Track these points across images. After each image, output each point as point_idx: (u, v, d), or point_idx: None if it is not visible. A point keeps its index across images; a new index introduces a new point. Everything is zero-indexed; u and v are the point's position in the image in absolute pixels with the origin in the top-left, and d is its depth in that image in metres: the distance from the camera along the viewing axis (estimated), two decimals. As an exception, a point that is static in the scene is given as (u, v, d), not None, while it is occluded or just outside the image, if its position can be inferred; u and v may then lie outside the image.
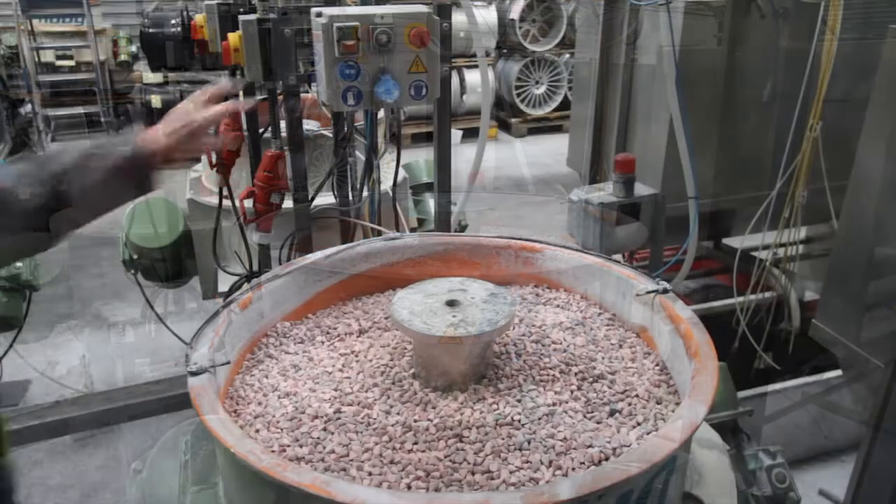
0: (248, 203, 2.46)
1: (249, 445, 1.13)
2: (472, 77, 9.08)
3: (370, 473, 1.21)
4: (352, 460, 1.25)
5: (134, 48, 9.48)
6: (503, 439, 1.28)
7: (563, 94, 9.34)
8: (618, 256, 3.22)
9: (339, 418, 1.36)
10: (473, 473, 1.21)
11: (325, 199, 2.81)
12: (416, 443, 1.28)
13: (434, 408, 1.37)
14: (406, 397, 1.41)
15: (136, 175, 1.49)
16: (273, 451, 1.26)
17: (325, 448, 1.28)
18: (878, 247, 2.52)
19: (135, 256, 3.56)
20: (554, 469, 1.21)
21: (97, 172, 1.45)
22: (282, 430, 1.34)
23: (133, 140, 1.49)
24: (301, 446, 1.29)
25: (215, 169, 2.95)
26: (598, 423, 1.35)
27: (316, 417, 1.36)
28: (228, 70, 3.02)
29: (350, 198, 2.78)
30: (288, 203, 2.45)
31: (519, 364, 1.50)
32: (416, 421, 1.34)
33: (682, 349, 1.43)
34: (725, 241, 4.06)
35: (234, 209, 2.80)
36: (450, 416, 1.34)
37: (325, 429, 1.33)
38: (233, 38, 2.23)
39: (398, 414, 1.36)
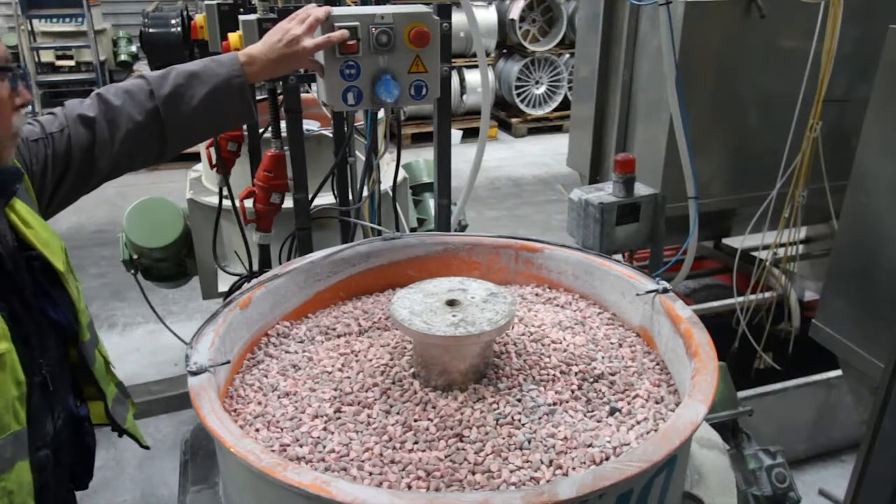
0: (248, 203, 2.46)
1: (249, 445, 1.13)
2: (472, 77, 9.08)
3: (370, 473, 1.21)
4: (352, 460, 1.25)
5: (134, 48, 9.48)
6: (503, 439, 1.28)
7: (563, 94, 9.34)
8: (618, 256, 3.22)
9: (339, 418, 1.36)
10: (474, 473, 1.21)
11: (325, 199, 2.82)
12: (416, 442, 1.29)
13: (434, 407, 1.37)
14: (406, 397, 1.41)
15: (240, 98, 1.58)
16: (273, 451, 1.26)
17: (325, 447, 1.28)
18: (879, 247, 2.52)
19: (135, 256, 3.56)
20: (554, 468, 1.22)
21: (195, 99, 1.55)
22: (282, 429, 1.34)
23: (237, 61, 1.58)
24: (301, 446, 1.29)
25: (215, 169, 2.95)
26: (598, 422, 1.35)
27: (316, 417, 1.37)
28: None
29: (350, 198, 2.78)
30: (288, 203, 2.46)
31: (519, 363, 1.50)
32: (416, 420, 1.34)
33: (682, 349, 1.43)
34: (725, 241, 4.06)
35: (235, 209, 2.80)
36: (450, 415, 1.34)
37: (325, 428, 1.34)
38: (233, 38, 2.23)
39: (398, 413, 1.36)
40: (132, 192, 7.66)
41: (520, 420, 1.33)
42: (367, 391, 1.44)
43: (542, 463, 1.23)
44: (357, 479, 1.21)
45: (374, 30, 1.68)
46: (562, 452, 1.25)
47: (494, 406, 1.37)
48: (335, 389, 1.45)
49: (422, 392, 1.42)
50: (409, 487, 1.19)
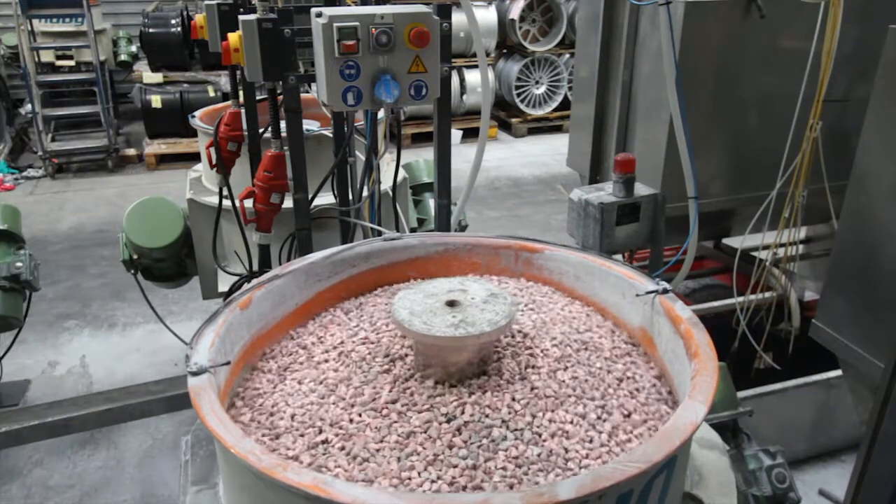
0: (248, 203, 2.46)
1: (249, 446, 1.13)
2: (472, 77, 9.08)
3: (302, 422, 1.32)
4: (286, 413, 1.36)
5: (134, 48, 9.48)
6: (440, 442, 1.26)
7: (563, 94, 9.34)
8: (617, 256, 3.22)
9: (297, 370, 1.48)
10: (392, 448, 1.24)
11: (325, 199, 2.82)
12: (353, 405, 1.35)
13: (402, 383, 1.41)
14: (383, 368, 1.47)
15: None
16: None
17: (265, 399, 1.40)
18: (879, 247, 2.52)
19: (135, 256, 3.56)
20: (470, 478, 1.18)
21: None
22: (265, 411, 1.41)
23: None
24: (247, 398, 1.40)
25: (215, 169, 2.96)
26: (568, 432, 1.31)
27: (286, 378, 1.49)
28: (228, 70, 3.03)
29: (350, 198, 2.78)
30: (288, 203, 2.46)
31: (513, 364, 1.49)
32: (374, 388, 1.40)
33: (682, 349, 1.43)
34: (725, 241, 4.06)
35: (235, 209, 2.80)
36: (407, 393, 1.38)
37: (277, 383, 1.47)
38: (233, 38, 2.23)
39: (364, 375, 1.43)
40: (132, 192, 7.68)
41: (471, 437, 1.25)
42: (351, 360, 1.50)
43: (470, 476, 1.18)
44: (285, 427, 1.31)
45: (374, 30, 1.68)
46: (488, 471, 1.18)
47: (456, 405, 1.33)
48: (328, 364, 1.51)
49: (403, 370, 1.45)
50: (325, 442, 1.26)
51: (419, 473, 1.18)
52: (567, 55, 9.09)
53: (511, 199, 7.46)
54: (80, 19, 8.19)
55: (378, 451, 1.23)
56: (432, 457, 1.22)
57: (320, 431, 1.30)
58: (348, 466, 1.21)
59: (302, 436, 1.30)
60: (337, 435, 1.28)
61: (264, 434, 1.33)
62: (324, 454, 1.24)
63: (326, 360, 1.57)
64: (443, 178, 2.38)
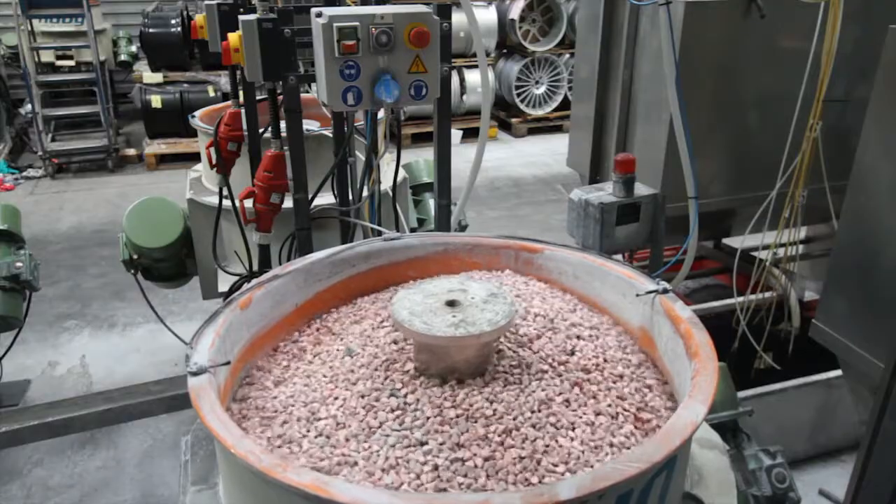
0: (248, 203, 2.46)
1: (249, 445, 1.13)
2: (472, 77, 9.09)
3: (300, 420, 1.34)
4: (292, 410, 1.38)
5: (134, 48, 9.48)
6: (378, 418, 1.31)
7: (563, 94, 9.34)
8: (617, 256, 3.23)
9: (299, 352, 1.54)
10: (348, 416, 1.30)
11: (325, 199, 2.82)
12: (338, 383, 1.41)
13: (393, 362, 1.46)
14: (386, 355, 1.50)
15: None
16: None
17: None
18: (879, 247, 2.52)
19: (135, 256, 3.56)
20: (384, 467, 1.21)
21: None
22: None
23: None
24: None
25: (215, 169, 2.96)
26: (564, 427, 1.30)
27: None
28: (228, 70, 3.03)
29: (350, 198, 2.78)
30: (288, 203, 2.46)
31: (512, 363, 1.49)
32: (377, 376, 1.43)
33: (682, 349, 1.43)
34: (725, 241, 4.06)
35: (234, 209, 2.80)
36: (389, 368, 1.44)
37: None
38: (233, 38, 2.23)
39: (359, 347, 1.50)
40: (132, 192, 7.68)
41: (426, 422, 1.29)
42: (350, 359, 1.52)
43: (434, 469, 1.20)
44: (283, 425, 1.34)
45: (374, 30, 1.68)
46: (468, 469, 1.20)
47: (423, 397, 1.35)
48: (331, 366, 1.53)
49: (400, 368, 1.46)
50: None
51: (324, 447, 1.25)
52: (567, 55, 9.09)
53: (511, 199, 7.46)
54: (80, 19, 8.19)
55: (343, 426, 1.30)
56: (352, 432, 1.27)
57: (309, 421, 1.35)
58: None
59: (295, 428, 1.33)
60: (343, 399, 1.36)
61: (262, 430, 1.33)
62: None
63: (325, 359, 1.57)
64: (443, 178, 2.38)
